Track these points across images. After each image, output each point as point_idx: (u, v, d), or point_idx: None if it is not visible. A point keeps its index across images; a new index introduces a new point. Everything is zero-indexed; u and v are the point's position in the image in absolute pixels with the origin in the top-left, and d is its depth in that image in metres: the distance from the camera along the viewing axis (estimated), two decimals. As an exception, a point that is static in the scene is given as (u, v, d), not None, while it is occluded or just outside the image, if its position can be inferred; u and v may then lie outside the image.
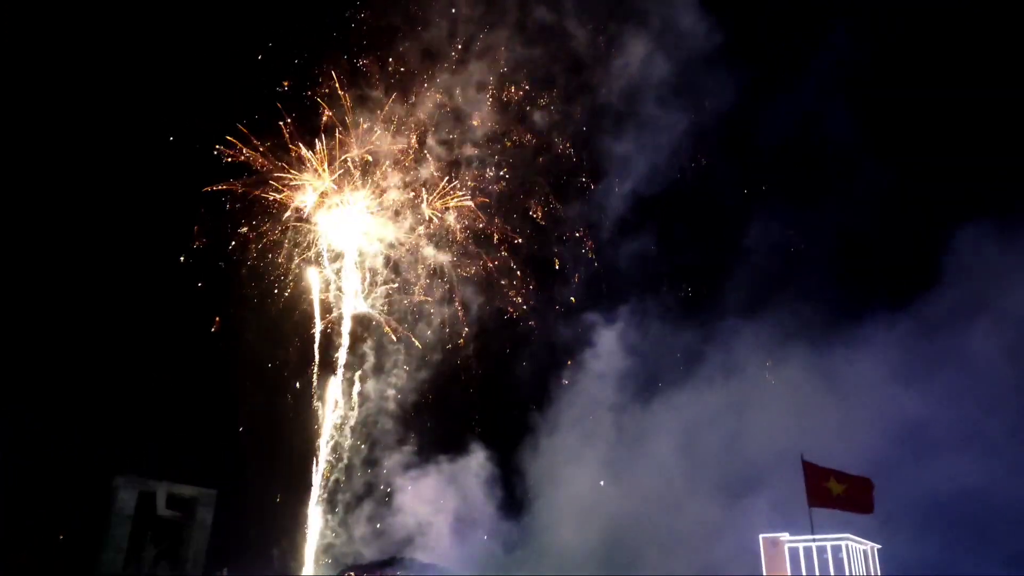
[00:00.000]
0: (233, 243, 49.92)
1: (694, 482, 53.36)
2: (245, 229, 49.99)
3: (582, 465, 53.70)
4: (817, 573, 60.50)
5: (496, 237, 55.44)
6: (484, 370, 56.36)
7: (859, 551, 65.27)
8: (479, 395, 55.49)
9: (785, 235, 64.97)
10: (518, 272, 55.92)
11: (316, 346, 52.69)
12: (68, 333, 46.35)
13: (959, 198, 59.00)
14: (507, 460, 53.77)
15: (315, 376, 51.94)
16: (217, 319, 48.79)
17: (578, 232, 59.22)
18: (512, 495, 53.31)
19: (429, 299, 54.78)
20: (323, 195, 51.68)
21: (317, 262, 53.13)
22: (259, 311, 51.36)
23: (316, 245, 52.76)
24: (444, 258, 55.18)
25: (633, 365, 58.62)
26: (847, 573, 66.03)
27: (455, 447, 52.57)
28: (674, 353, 62.78)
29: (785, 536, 64.01)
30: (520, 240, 56.10)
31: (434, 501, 50.65)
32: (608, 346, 58.75)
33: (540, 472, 53.81)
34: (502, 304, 56.40)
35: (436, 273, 55.57)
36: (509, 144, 56.03)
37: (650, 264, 71.47)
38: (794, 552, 65.08)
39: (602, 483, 53.45)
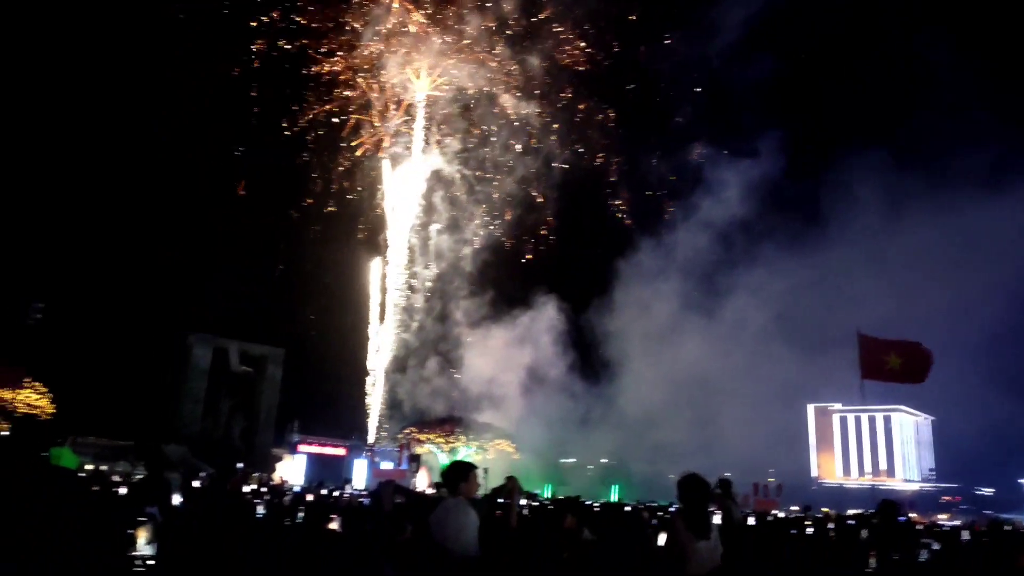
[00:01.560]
0: (297, 108, 48.59)
1: (781, 345, 51.36)
2: (310, 86, 47.75)
3: (666, 324, 51.44)
4: (867, 441, 62.50)
5: (586, 72, 50.01)
6: (567, 223, 53.11)
7: (911, 422, 66.58)
8: (559, 250, 52.94)
9: (942, 67, 56.67)
10: (610, 112, 51.24)
11: (386, 202, 51.36)
12: (142, 200, 47.04)
13: None
14: (585, 319, 52.16)
15: (386, 234, 51.22)
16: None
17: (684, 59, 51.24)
18: (587, 355, 52.17)
19: (511, 147, 50.99)
20: (391, 38, 48.28)
21: (384, 114, 50.72)
22: (327, 171, 50.61)
23: (385, 94, 49.96)
24: (527, 105, 50.75)
25: (741, 212, 52.25)
26: (896, 443, 67.54)
27: (529, 305, 51.06)
28: (791, 201, 56.36)
29: (836, 406, 65.43)
30: (614, 72, 50.24)
31: (505, 360, 50.17)
32: (714, 191, 52.48)
33: (618, 331, 51.73)
34: (590, 151, 52.07)
35: (518, 122, 51.42)
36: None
37: (771, 94, 63.37)
38: (843, 420, 67.07)
39: (683, 344, 51.13)
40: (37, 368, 36.29)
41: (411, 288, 52.13)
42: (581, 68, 51.11)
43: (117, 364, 44.96)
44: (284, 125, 49.36)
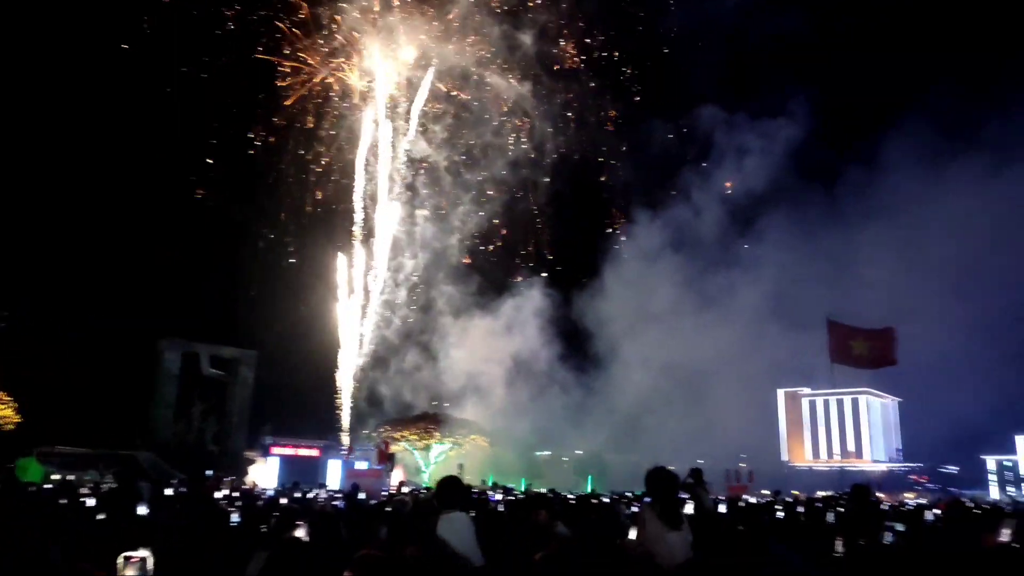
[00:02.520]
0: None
1: (755, 329, 51.62)
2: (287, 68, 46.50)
3: (641, 313, 51.29)
4: (834, 423, 63.58)
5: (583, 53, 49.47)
6: (561, 205, 52.64)
7: (877, 404, 67.76)
8: (550, 233, 52.75)
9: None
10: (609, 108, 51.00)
11: (361, 189, 49.64)
12: (110, 202, 46.28)
13: None
14: (565, 307, 51.80)
15: (365, 227, 50.00)
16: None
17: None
18: (566, 345, 51.84)
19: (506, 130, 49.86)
20: (373, 21, 47.15)
21: (365, 99, 49.08)
22: (300, 167, 49.66)
23: (366, 75, 48.38)
24: (517, 86, 49.56)
25: (746, 182, 52.84)
26: (864, 425, 68.73)
27: (511, 295, 50.70)
28: (804, 175, 57.81)
29: (805, 390, 66.38)
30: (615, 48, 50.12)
31: (483, 352, 49.65)
32: (719, 160, 53.51)
33: (595, 320, 51.46)
34: (585, 132, 51.43)
35: (508, 105, 50.34)
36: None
37: (796, 50, 61.82)
38: (812, 404, 68.16)
39: (657, 333, 50.82)
40: (2, 377, 35.54)
41: (394, 281, 51.25)
42: (574, 60, 50.62)
43: (85, 371, 44.21)
44: (255, 129, 48.61)
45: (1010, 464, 66.83)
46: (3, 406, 34.89)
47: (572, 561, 6.32)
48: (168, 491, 15.26)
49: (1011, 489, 61.80)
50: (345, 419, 51.33)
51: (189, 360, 48.50)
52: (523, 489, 29.88)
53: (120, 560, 3.68)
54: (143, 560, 3.68)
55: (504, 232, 53.13)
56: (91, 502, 10.25)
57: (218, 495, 16.60)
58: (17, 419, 34.91)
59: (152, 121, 44.81)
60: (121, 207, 46.21)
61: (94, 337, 45.87)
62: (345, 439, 49.84)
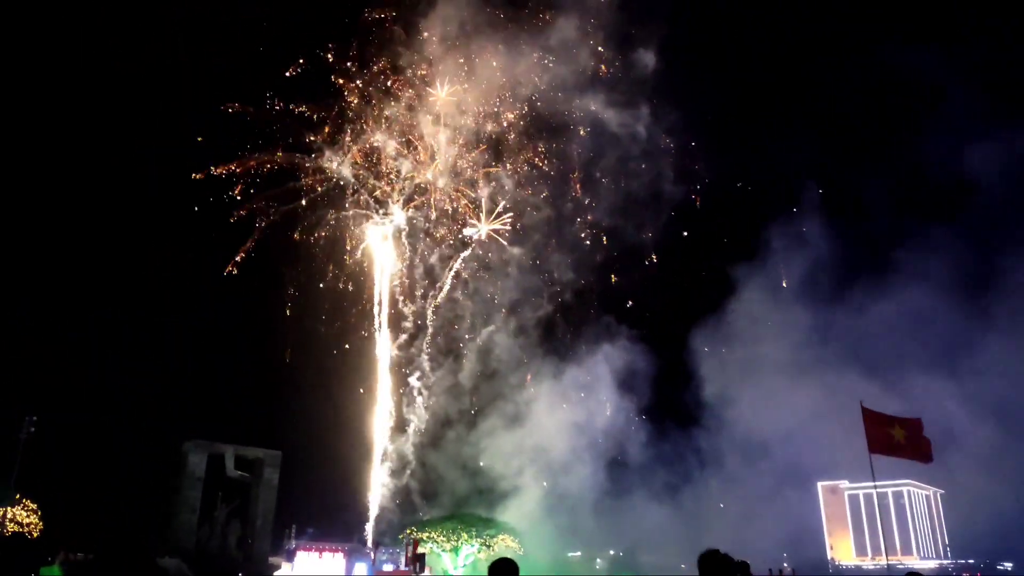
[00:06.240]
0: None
1: (788, 419, 50.74)
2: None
3: (668, 408, 51.62)
4: (878, 518, 60.81)
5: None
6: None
7: (921, 497, 64.99)
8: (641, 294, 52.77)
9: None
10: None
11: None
12: (134, 309, 47.20)
13: None
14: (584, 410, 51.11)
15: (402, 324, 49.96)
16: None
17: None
18: (593, 445, 50.84)
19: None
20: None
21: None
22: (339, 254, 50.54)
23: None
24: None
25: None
26: (908, 519, 65.74)
27: (583, 369, 50.57)
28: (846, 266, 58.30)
29: (844, 483, 64.05)
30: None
31: (524, 449, 48.50)
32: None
33: (619, 418, 51.12)
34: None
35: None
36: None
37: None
38: (854, 498, 65.58)
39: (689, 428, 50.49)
40: (28, 483, 35.34)
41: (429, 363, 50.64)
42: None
43: (110, 477, 43.98)
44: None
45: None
46: (28, 513, 34.57)
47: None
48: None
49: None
50: (371, 520, 50.18)
51: (214, 462, 47.95)
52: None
53: None
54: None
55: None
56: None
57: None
58: (41, 526, 34.53)
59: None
60: (145, 310, 47.11)
61: (120, 441, 45.83)
62: (370, 539, 48.57)
